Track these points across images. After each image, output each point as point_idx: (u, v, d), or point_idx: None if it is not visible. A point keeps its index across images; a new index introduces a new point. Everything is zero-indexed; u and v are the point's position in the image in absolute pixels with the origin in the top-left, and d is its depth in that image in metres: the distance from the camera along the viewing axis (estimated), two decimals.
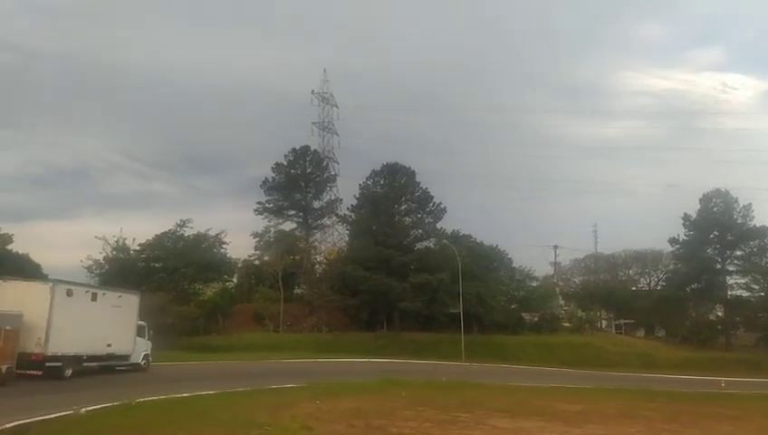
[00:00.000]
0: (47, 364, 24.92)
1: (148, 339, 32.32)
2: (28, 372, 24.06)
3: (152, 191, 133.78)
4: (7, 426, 14.41)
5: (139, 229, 73.62)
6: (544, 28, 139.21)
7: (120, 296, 30.16)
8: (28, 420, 15.22)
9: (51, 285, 26.28)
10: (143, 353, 31.52)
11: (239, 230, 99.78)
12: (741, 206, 64.38)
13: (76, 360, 26.71)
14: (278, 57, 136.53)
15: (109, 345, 28.60)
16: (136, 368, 30.72)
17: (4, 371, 22.76)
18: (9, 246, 58.51)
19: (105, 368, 28.98)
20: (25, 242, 73.39)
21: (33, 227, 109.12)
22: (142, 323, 31.61)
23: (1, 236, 58.98)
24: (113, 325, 28.87)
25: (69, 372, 26.10)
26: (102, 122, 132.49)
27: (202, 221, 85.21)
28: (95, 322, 27.46)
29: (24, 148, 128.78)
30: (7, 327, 23.39)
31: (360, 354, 45.85)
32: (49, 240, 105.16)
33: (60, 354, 25.52)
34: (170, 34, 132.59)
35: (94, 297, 28.32)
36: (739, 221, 64.26)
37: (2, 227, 59.71)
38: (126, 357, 30.05)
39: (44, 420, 15.43)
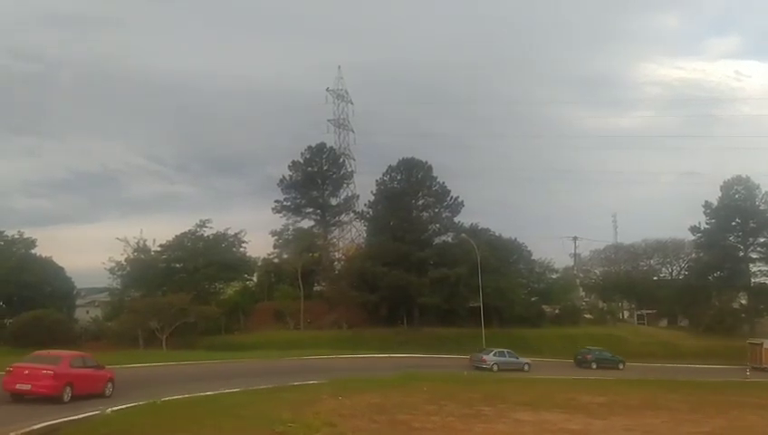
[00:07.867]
0: None
1: None
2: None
3: (174, 193, 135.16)
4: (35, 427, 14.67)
5: (162, 231, 74.28)
6: (559, 20, 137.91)
7: None
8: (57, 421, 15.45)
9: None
10: None
11: (258, 229, 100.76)
12: (763, 192, 63.18)
13: None
14: (293, 56, 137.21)
15: None
16: None
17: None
18: (32, 250, 59.53)
19: None
20: (49, 246, 74.68)
21: (57, 231, 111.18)
22: None
23: (24, 241, 59.94)
24: None
25: None
26: (124, 127, 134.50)
27: (222, 221, 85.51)
28: None
29: (49, 154, 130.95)
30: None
31: (381, 350, 45.93)
32: (73, 244, 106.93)
33: None
34: (187, 39, 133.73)
35: None
36: (761, 208, 63.08)
37: (25, 232, 60.83)
38: None
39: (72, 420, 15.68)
